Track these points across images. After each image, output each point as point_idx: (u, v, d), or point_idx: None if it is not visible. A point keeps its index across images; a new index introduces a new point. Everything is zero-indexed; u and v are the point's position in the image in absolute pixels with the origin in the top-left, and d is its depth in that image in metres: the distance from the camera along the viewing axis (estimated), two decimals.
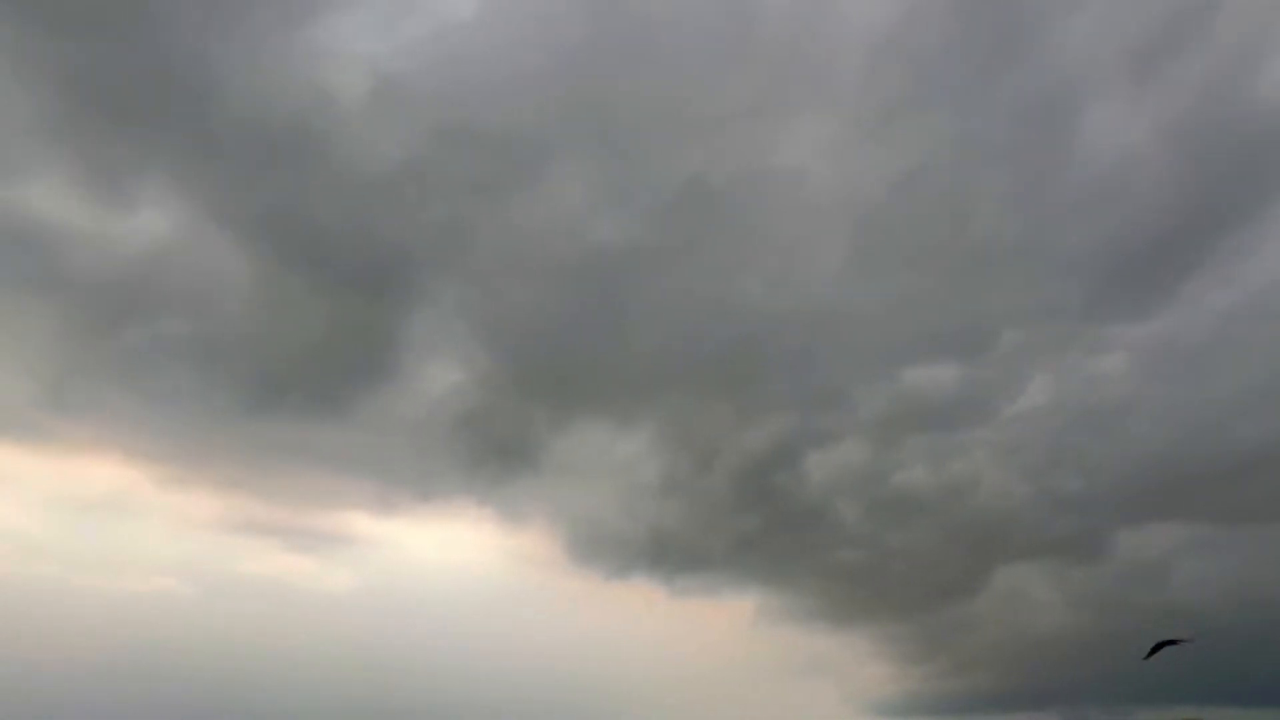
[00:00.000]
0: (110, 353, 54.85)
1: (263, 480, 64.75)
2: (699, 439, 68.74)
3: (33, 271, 51.20)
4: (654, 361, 66.97)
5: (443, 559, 71.04)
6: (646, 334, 65.83)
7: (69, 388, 53.34)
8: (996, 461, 61.94)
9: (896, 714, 58.99)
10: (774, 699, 58.98)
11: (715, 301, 65.84)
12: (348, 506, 67.90)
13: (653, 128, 65.59)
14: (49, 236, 51.34)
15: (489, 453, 67.70)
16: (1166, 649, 15.56)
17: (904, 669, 59.61)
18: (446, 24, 58.42)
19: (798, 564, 63.86)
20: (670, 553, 65.22)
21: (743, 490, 65.47)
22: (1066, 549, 57.04)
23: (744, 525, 64.97)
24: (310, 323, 61.99)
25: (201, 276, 57.00)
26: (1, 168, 50.89)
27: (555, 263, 63.03)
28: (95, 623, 49.71)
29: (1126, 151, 63.20)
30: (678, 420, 69.68)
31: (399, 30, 58.42)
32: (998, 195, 67.54)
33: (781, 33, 65.15)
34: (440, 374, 66.41)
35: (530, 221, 63.52)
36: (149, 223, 55.05)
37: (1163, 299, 62.16)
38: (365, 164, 55.88)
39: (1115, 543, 55.82)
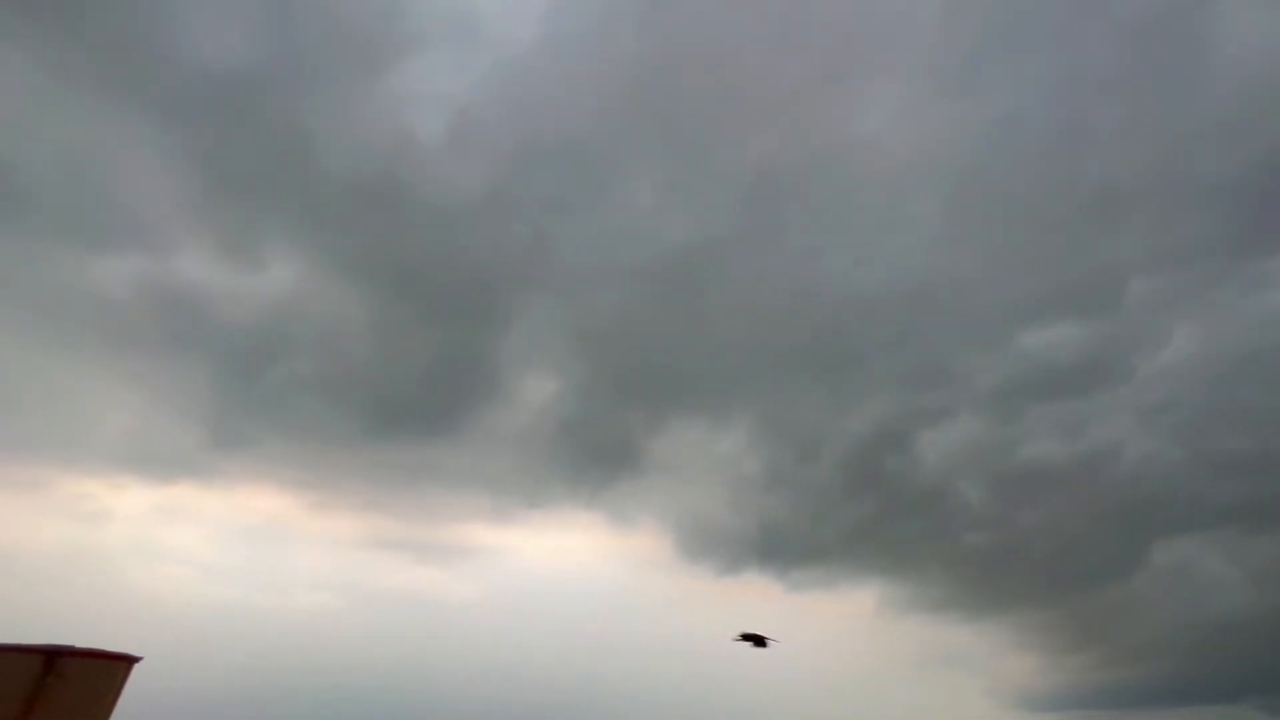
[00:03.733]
0: (255, 395, 61.77)
1: (392, 500, 70.07)
2: (800, 428, 66.83)
3: (187, 330, 58.44)
4: (744, 353, 65.99)
5: (557, 564, 73.59)
6: (733, 327, 65.02)
7: (226, 429, 60.49)
8: (1141, 425, 55.46)
9: (1050, 708, 53.93)
10: (908, 694, 55.89)
11: (801, 286, 63.80)
12: (466, 519, 72.11)
13: (717, 118, 64.94)
14: (197, 298, 58.50)
15: (591, 458, 69.51)
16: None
17: (1055, 659, 54.56)
18: (510, 53, 61.02)
19: (920, 551, 60.33)
20: (782, 546, 63.79)
21: (852, 477, 62.87)
22: (1239, 517, 50.03)
23: (857, 514, 62.33)
24: (418, 350, 66.72)
25: (323, 319, 62.88)
26: (157, 244, 58.39)
27: (634, 266, 63.82)
28: (269, 635, 56.20)
29: (1275, 57, 54.46)
30: (775, 411, 68.15)
31: (467, 65, 61.84)
32: (1111, 130, 60.59)
33: None
34: (538, 385, 69.09)
35: (606, 228, 64.85)
36: (276, 277, 61.54)
37: None
38: (449, 196, 59.45)
39: None
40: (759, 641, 14.82)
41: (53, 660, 9.73)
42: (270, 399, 61.98)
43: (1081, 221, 61.30)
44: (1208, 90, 56.11)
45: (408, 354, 66.17)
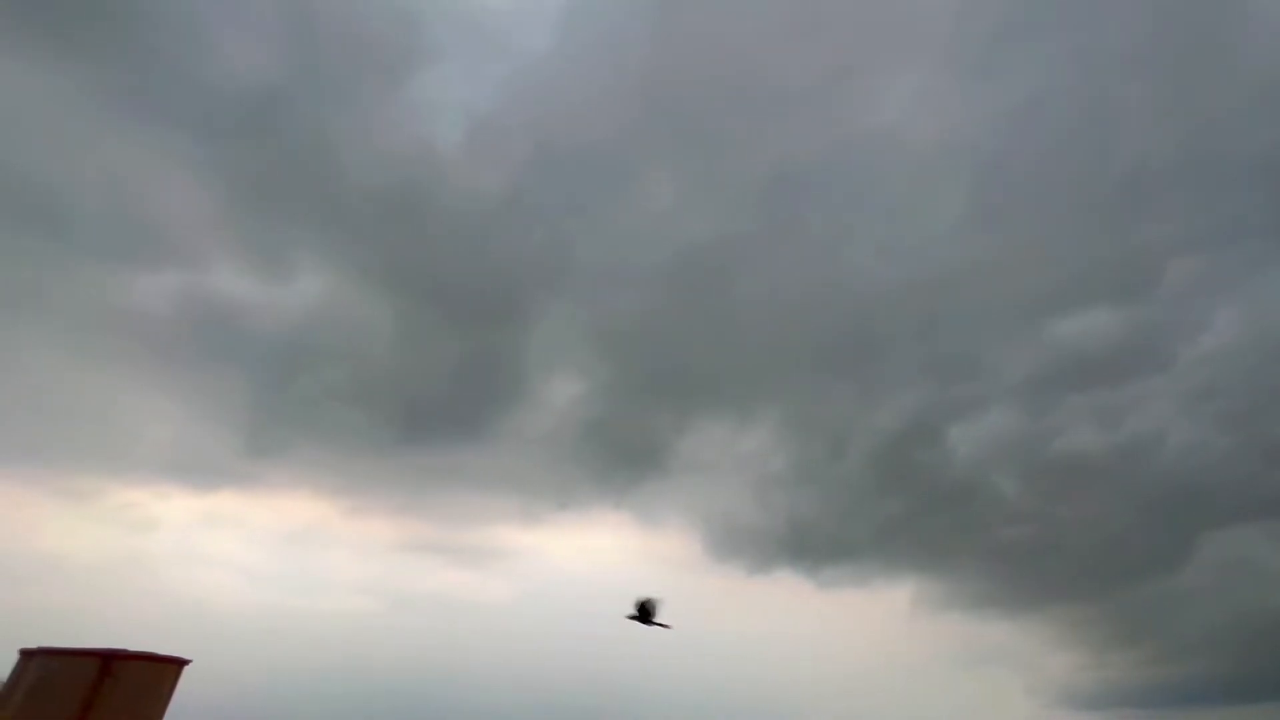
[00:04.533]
0: (289, 403, 63.20)
1: (423, 504, 71.10)
2: (826, 424, 66.10)
3: (224, 342, 60.07)
4: (767, 350, 65.53)
5: (586, 565, 73.87)
6: (756, 323, 64.61)
7: (263, 437, 61.99)
8: (1184, 412, 53.64)
9: (1095, 706, 52.45)
10: (946, 692, 54.86)
11: (822, 280, 63.16)
12: (496, 521, 72.82)
13: (731, 114, 64.56)
14: (232, 311, 60.11)
15: (617, 459, 69.64)
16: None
17: (1100, 656, 53.08)
18: (526, 59, 61.56)
19: (955, 546, 59.21)
20: (812, 544, 63.14)
21: (882, 473, 61.99)
22: None
23: (888, 510, 61.45)
24: (444, 356, 67.63)
25: (351, 327, 64.09)
26: (192, 259, 60.08)
27: (654, 265, 63.87)
28: (311, 637, 57.46)
29: None
30: (801, 407, 67.54)
31: (483, 73, 62.64)
32: (1142, 108, 58.72)
33: None
34: (562, 388, 69.49)
35: (625, 229, 64.98)
36: (305, 288, 62.91)
37: None
38: (470, 202, 60.19)
39: None
40: (647, 617, 13.73)
41: (109, 663, 10.10)
42: (303, 407, 63.36)
43: (1113, 203, 59.58)
44: (1244, 61, 54.03)
45: (434, 360, 67.13)
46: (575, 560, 74.71)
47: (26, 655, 10.32)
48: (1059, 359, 57.35)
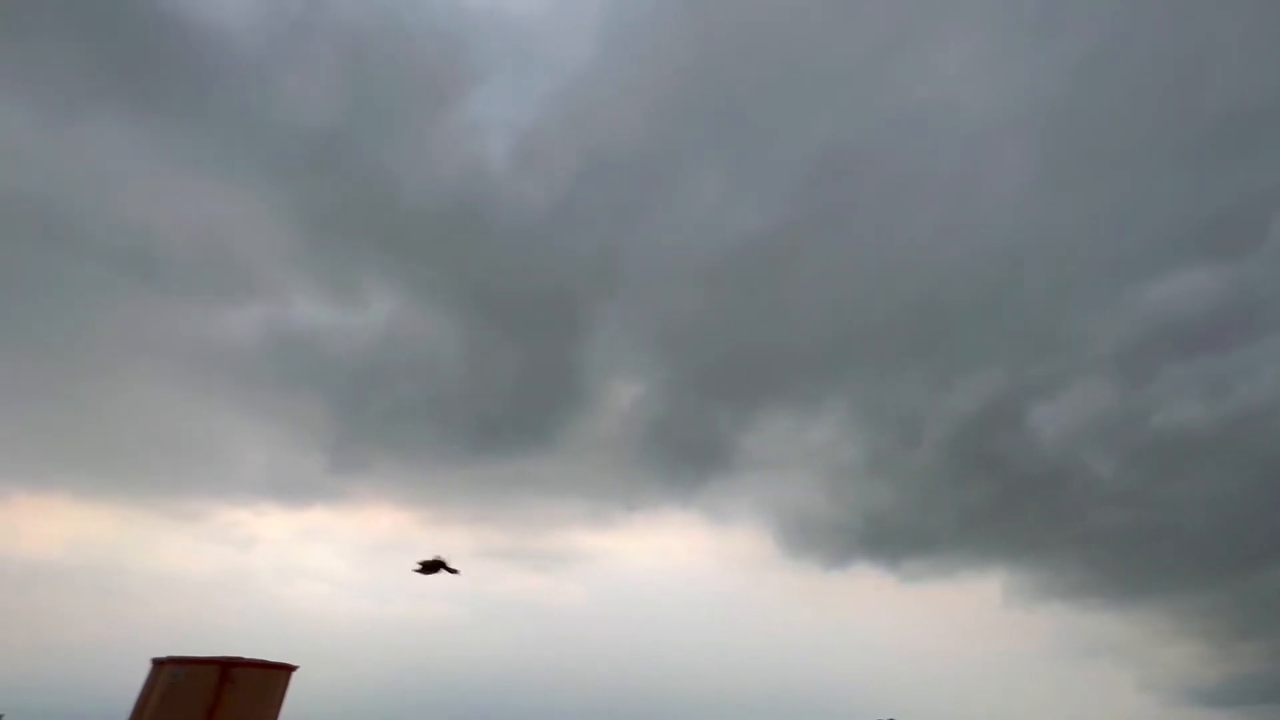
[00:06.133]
0: (368, 421, 66.65)
1: (497, 512, 73.29)
2: (897, 411, 63.72)
3: (306, 367, 64.05)
4: (828, 338, 63.83)
5: (658, 566, 74.09)
6: (815, 311, 63.10)
7: (346, 455, 65.63)
8: None
9: (1224, 702, 48.08)
10: (1050, 688, 51.70)
11: (882, 262, 60.93)
12: (567, 525, 74.17)
13: (774, 103, 63.33)
14: (312, 338, 64.02)
15: (683, 458, 69.48)
16: None
17: (1224, 647, 48.77)
18: (568, 70, 62.57)
19: (1048, 534, 55.76)
20: (890, 536, 61.03)
21: (960, 460, 59.18)
22: None
23: (970, 498, 58.58)
24: (507, 368, 69.54)
25: (421, 346, 67.05)
26: (273, 291, 64.31)
27: (706, 261, 63.46)
28: (401, 645, 60.32)
29: None
30: (869, 395, 65.39)
31: (527, 88, 64.04)
32: (1236, 44, 53.47)
33: None
34: (623, 390, 70.04)
35: (675, 228, 64.90)
36: (376, 312, 66.40)
37: None
38: (522, 215, 61.73)
39: None
40: (436, 568, 13.37)
41: (227, 670, 10.93)
42: (381, 424, 66.65)
43: (1207, 153, 54.47)
44: None
45: (499, 371, 69.13)
46: (647, 561, 75.01)
47: (158, 664, 11.32)
48: (1153, 326, 52.98)
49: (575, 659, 61.11)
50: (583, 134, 62.98)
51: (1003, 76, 58.38)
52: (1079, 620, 55.44)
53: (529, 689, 55.64)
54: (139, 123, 53.31)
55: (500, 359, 69.39)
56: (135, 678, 11.74)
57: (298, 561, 70.24)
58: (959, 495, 58.33)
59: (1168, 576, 52.11)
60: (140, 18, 50.93)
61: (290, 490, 67.63)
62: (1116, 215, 56.61)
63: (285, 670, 11.80)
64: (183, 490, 58.55)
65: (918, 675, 54.48)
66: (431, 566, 13.22)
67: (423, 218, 61.40)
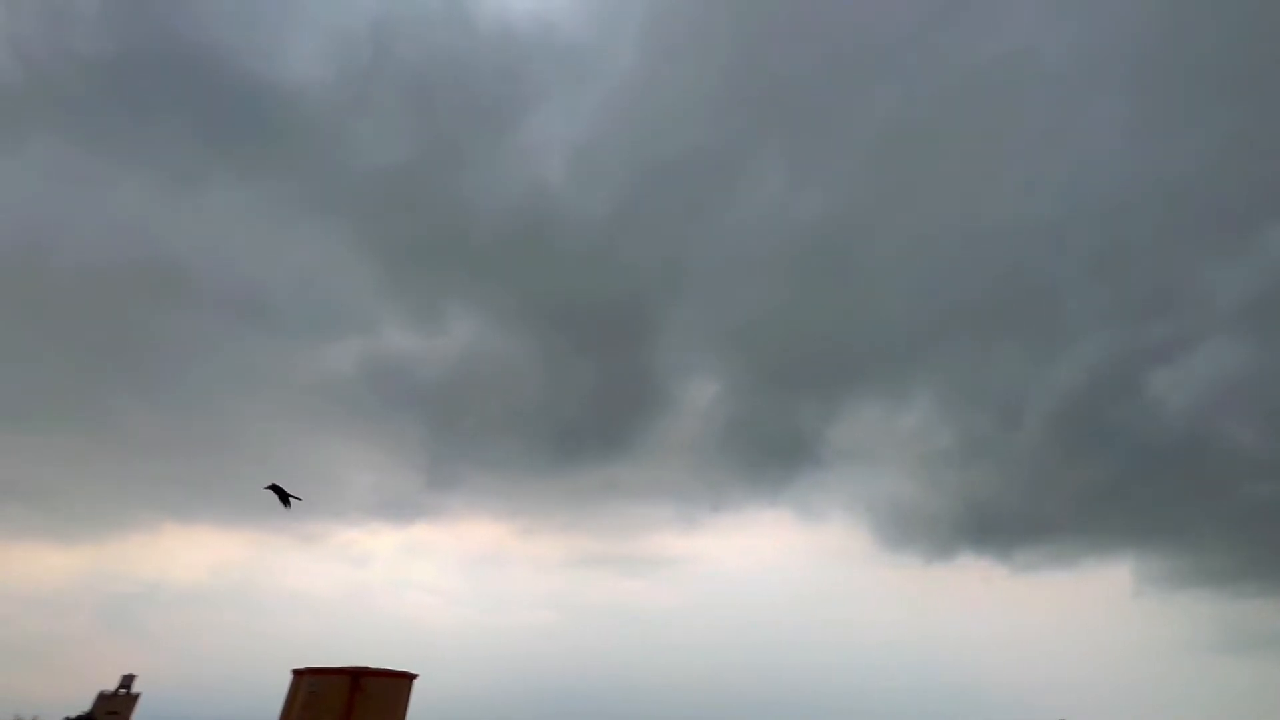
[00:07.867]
0: (458, 439, 69.90)
1: (587, 519, 74.86)
2: (993, 390, 59.94)
3: (399, 390, 68.23)
4: (910, 319, 60.88)
5: (748, 564, 73.05)
6: (891, 293, 60.31)
7: (441, 472, 69.17)
8: None
9: None
10: (1202, 683, 46.87)
11: (964, 233, 57.44)
12: (655, 529, 74.54)
13: (826, 82, 61.21)
14: (403, 363, 68.18)
15: (766, 454, 68.31)
16: None
17: None
18: (616, 81, 63.34)
19: (1183, 513, 50.70)
20: (997, 524, 57.44)
21: (1071, 436, 54.83)
22: None
23: (1086, 478, 54.01)
24: (584, 378, 71.09)
25: (501, 364, 69.85)
26: (365, 324, 68.99)
27: (770, 253, 62.14)
28: (503, 648, 62.59)
29: None
30: (960, 375, 61.92)
31: (579, 104, 65.34)
32: None
33: None
34: (699, 390, 69.83)
35: (736, 224, 64.01)
36: (459, 335, 69.93)
37: None
38: (585, 228, 62.96)
39: None
40: (283, 496, 14.04)
41: (358, 679, 11.87)
42: (470, 441, 69.68)
43: None
44: None
45: (576, 382, 70.83)
46: (736, 560, 74.19)
47: (298, 674, 12.47)
48: None
49: (670, 661, 61.12)
50: (637, 139, 63.57)
51: (1084, 21, 53.68)
52: (1229, 608, 50.03)
53: (626, 691, 56.22)
54: (236, 181, 58.90)
55: (577, 370, 71.06)
56: (273, 686, 12.98)
57: (406, 575, 74.35)
58: (1073, 476, 54.01)
59: None
60: (228, 82, 56.26)
61: (395, 508, 71.76)
62: (1232, 153, 50.67)
63: (407, 678, 12.66)
64: (304, 515, 63.67)
65: (1038, 671, 50.81)
66: (279, 491, 14.85)
67: (493, 241, 64.09)
